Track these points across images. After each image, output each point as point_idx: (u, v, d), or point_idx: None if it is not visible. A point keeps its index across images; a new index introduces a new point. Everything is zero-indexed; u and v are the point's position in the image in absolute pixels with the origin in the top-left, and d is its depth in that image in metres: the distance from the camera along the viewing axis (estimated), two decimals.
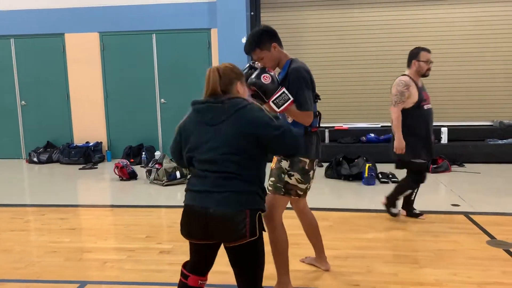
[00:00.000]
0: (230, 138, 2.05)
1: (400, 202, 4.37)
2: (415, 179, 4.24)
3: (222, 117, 2.07)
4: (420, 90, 4.09)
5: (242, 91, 2.22)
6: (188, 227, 2.11)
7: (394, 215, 4.31)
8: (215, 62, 7.62)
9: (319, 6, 7.85)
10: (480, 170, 6.51)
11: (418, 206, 4.42)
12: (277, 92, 2.52)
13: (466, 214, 4.39)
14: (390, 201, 4.31)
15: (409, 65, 4.16)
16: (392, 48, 7.68)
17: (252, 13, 7.74)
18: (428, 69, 4.11)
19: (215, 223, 2.01)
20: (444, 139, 7.25)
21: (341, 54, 7.85)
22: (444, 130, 7.24)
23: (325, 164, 6.46)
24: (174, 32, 7.83)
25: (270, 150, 2.16)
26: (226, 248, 2.12)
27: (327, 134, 7.49)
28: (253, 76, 2.53)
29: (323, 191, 5.60)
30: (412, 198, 4.37)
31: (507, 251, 3.51)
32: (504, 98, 7.66)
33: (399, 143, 4.07)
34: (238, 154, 2.04)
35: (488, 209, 4.66)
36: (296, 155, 2.28)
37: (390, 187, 5.64)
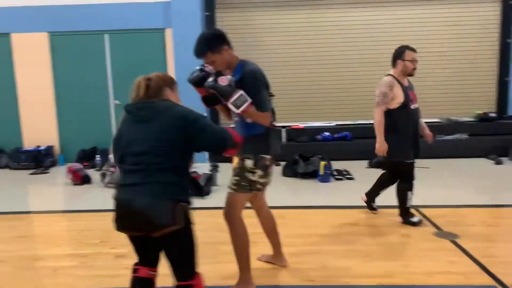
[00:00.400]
0: (160, 132, 2.14)
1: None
2: (406, 179, 4.11)
3: (153, 114, 2.17)
4: (406, 90, 4.00)
5: (173, 98, 2.33)
6: (117, 220, 2.16)
7: (416, 223, 4.11)
8: (170, 62, 7.54)
9: (274, 7, 7.92)
10: (429, 165, 6.78)
11: None
12: (235, 94, 2.60)
13: (416, 208, 4.57)
14: (404, 214, 4.17)
15: (394, 64, 4.05)
16: (345, 48, 7.88)
17: (207, 13, 7.72)
18: (414, 68, 4.01)
19: (138, 214, 2.06)
20: None
21: (296, 54, 7.96)
22: None
23: (283, 163, 6.54)
24: (127, 32, 7.67)
25: (200, 144, 2.21)
26: (156, 239, 2.16)
27: (284, 133, 7.59)
28: (210, 79, 2.62)
29: (279, 190, 5.66)
30: (379, 193, 4.46)
31: (453, 242, 3.70)
32: (451, 96, 8.03)
33: (380, 145, 4.03)
34: (168, 147, 2.14)
35: (436, 202, 4.89)
36: (225, 148, 2.29)
37: (345, 184, 5.86)
